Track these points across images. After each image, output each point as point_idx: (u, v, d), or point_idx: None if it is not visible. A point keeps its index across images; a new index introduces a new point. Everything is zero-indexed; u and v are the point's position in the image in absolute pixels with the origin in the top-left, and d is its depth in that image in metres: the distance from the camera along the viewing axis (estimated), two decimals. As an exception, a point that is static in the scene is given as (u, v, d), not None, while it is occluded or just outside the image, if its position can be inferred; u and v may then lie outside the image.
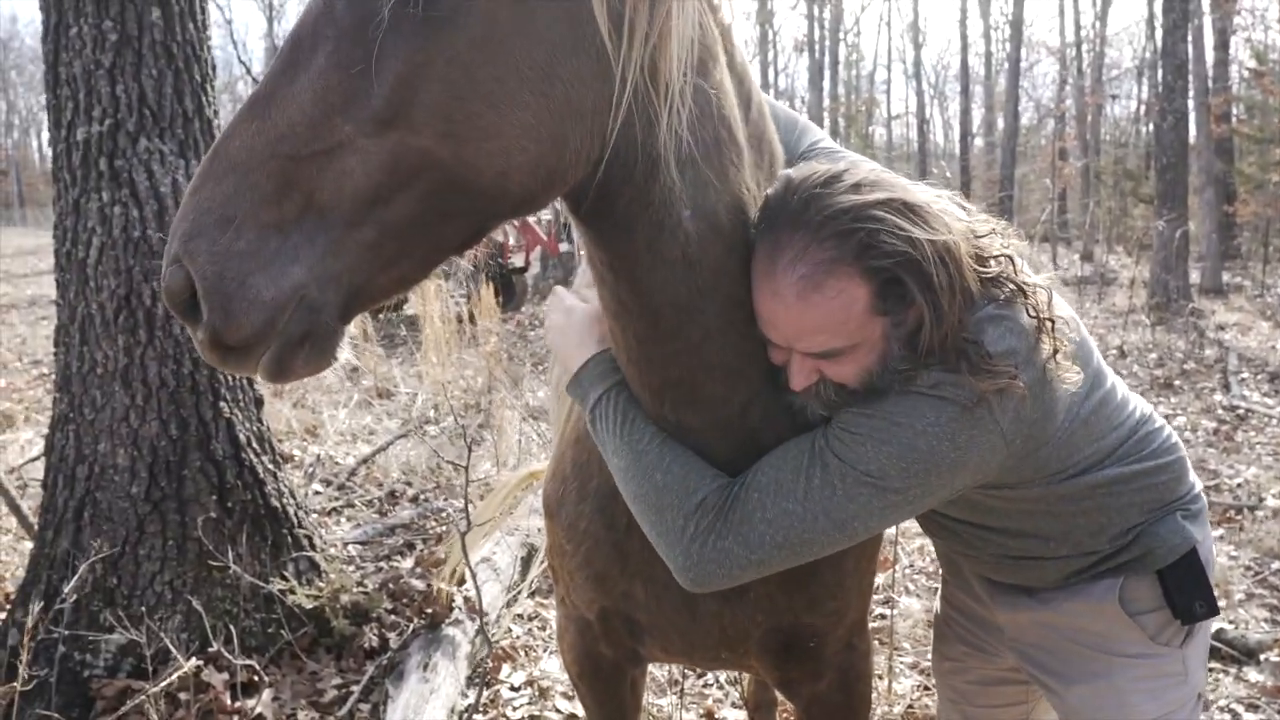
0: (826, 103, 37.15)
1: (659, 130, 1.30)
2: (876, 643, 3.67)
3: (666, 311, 1.44)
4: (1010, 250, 1.55)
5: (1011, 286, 1.51)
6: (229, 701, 3.20)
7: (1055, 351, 1.49)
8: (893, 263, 1.40)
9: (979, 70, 43.65)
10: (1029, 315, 1.50)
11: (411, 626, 3.74)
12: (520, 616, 4.12)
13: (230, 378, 3.63)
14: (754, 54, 41.06)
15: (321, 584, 3.72)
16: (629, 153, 1.32)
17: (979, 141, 39.54)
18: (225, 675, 3.27)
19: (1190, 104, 17.09)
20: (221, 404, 3.58)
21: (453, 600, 3.77)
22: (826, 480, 1.47)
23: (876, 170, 1.53)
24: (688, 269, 1.41)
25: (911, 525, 2.01)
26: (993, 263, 1.51)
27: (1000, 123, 31.49)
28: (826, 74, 39.00)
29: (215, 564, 3.45)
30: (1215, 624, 4.07)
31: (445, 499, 5.69)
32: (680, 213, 1.37)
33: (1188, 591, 1.72)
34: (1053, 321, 1.50)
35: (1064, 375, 1.51)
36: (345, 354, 1.23)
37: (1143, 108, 35.15)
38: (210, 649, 3.30)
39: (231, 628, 3.38)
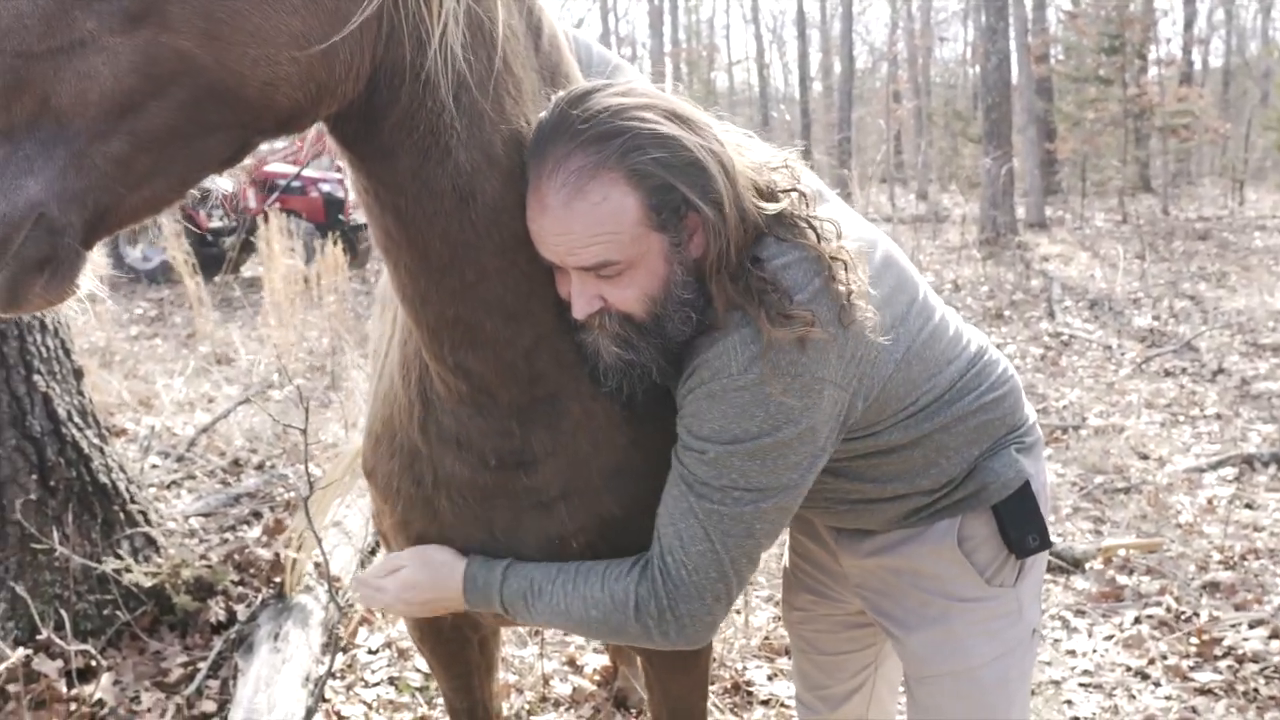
0: (668, 48, 37.13)
1: (429, 51, 1.23)
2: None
3: (437, 245, 1.37)
4: (802, 186, 1.49)
5: (802, 224, 1.46)
6: (64, 689, 3.03)
7: (850, 292, 1.43)
8: (660, 166, 1.33)
9: (814, 15, 44.46)
10: (820, 255, 1.44)
11: (260, 597, 3.61)
12: (376, 578, 4.03)
13: (44, 349, 3.39)
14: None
15: (160, 560, 3.54)
16: (397, 72, 1.25)
17: (817, 85, 40.28)
18: (59, 662, 3.09)
19: (1012, 45, 17.84)
20: (36, 377, 3.34)
21: (303, 568, 3.66)
22: (711, 509, 1.47)
23: (649, 86, 1.47)
24: (460, 203, 1.34)
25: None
26: (782, 196, 1.46)
27: (837, 66, 32.16)
28: (666, 19, 39.01)
29: (40, 547, 3.24)
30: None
31: (292, 465, 5.50)
32: (449, 141, 1.30)
33: (1021, 525, 1.70)
34: (845, 263, 1.45)
35: (861, 312, 1.45)
36: (88, 284, 1.10)
37: (969, 50, 36.49)
38: (40, 636, 3.11)
39: (63, 612, 3.19)
